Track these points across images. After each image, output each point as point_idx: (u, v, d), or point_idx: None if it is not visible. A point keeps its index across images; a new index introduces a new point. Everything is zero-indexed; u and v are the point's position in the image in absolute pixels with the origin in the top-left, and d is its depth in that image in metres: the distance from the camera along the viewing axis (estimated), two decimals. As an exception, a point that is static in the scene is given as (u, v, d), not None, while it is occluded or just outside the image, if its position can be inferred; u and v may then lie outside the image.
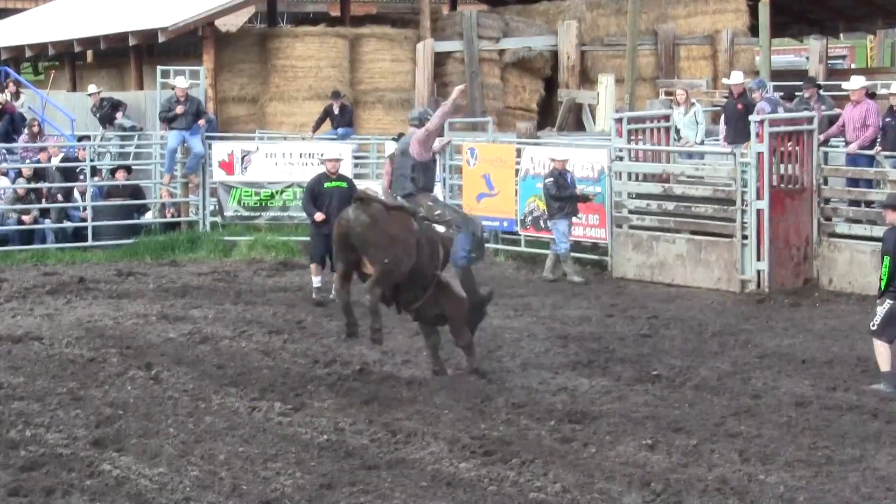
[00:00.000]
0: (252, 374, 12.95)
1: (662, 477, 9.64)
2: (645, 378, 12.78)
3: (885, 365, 12.19)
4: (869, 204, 17.22)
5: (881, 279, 12.17)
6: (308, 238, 17.94)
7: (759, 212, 17.23)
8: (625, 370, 13.09)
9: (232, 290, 17.90)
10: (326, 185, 17.02)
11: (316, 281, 16.99)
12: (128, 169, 23.10)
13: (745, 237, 17.40)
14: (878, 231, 14.55)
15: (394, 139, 21.23)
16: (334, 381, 12.69)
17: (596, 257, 19.28)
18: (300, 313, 16.16)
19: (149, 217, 22.66)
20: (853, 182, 17.68)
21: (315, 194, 17.04)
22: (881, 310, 12.17)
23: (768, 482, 9.56)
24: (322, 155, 17.93)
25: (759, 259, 17.27)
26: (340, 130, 24.80)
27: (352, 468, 9.93)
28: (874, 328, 12.22)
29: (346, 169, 21.77)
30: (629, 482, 9.54)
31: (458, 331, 12.80)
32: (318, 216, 16.79)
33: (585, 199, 18.58)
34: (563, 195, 18.37)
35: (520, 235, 20.32)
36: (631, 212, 18.94)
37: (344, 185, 17.01)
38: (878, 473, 9.75)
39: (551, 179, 18.50)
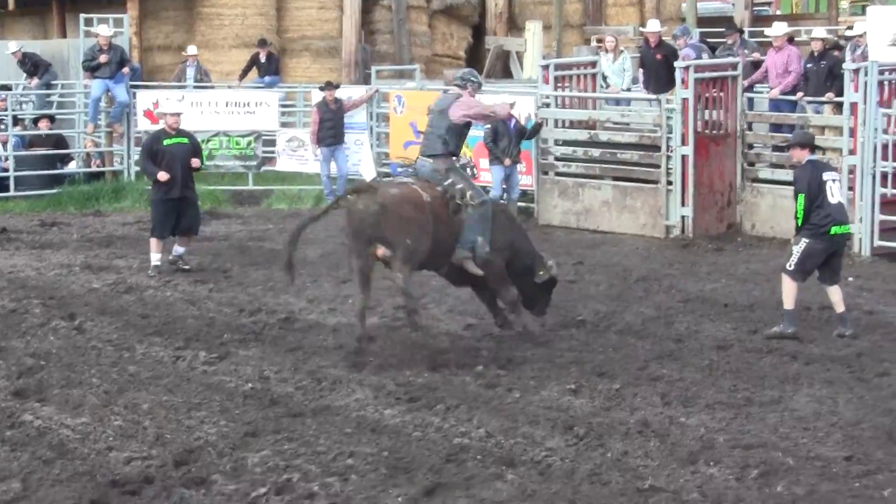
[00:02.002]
0: (177, 324, 12.90)
1: (585, 421, 9.73)
2: (570, 323, 12.87)
3: (790, 303, 12.19)
4: (792, 149, 17.35)
5: (797, 217, 12.14)
6: (151, 206, 16.19)
7: (683, 158, 17.33)
8: (549, 316, 13.15)
9: (157, 239, 17.74)
10: (166, 142, 15.45)
11: (155, 258, 15.56)
12: (51, 118, 22.84)
13: (669, 183, 17.51)
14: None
15: (320, 88, 21.16)
16: (259, 329, 12.69)
17: (522, 204, 19.31)
18: (225, 262, 16.09)
19: (73, 167, 22.41)
20: (776, 128, 17.80)
21: (153, 153, 15.46)
22: (797, 249, 12.14)
23: (689, 424, 9.68)
24: (162, 108, 16.18)
25: (683, 205, 17.40)
26: (267, 79, 24.58)
27: (276, 416, 9.93)
28: (790, 268, 12.17)
29: (273, 118, 21.82)
30: (553, 426, 9.62)
31: (498, 289, 12.33)
32: (162, 175, 15.27)
33: (534, 132, 18.46)
34: (492, 147, 18.23)
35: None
36: (557, 159, 18.98)
37: (185, 140, 15.59)
38: (796, 414, 9.90)
39: (489, 126, 18.38)
